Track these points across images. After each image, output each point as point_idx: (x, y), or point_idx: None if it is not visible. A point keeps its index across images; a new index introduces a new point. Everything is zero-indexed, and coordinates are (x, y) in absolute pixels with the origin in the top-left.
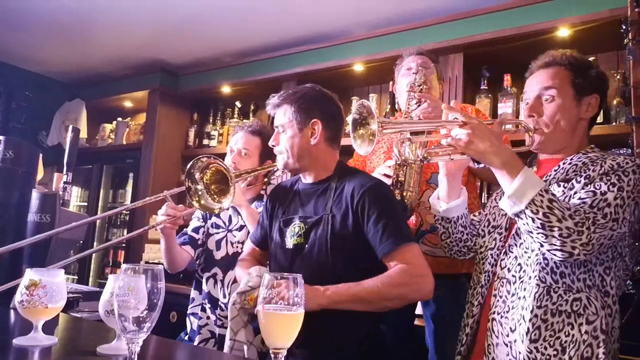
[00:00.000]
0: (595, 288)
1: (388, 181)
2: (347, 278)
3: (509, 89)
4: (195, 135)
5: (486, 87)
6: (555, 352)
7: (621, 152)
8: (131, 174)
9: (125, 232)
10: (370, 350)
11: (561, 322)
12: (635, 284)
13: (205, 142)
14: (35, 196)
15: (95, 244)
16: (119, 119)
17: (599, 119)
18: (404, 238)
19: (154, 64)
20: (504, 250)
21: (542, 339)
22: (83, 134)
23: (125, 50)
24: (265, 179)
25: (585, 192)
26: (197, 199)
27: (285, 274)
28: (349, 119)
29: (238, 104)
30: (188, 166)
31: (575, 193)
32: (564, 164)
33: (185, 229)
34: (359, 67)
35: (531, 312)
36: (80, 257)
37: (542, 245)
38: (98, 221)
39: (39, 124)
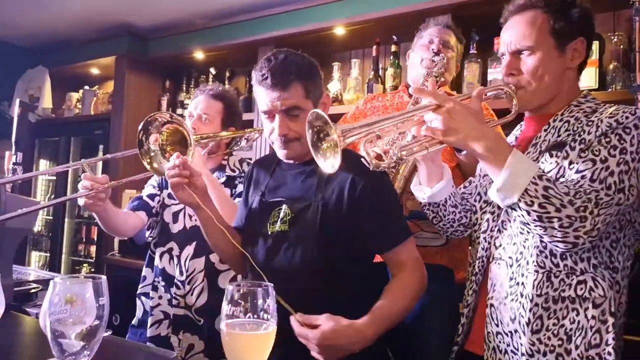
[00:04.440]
0: (602, 266)
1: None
2: (334, 271)
3: (499, 53)
4: (167, 104)
5: (475, 52)
6: (560, 342)
7: None
8: (101, 146)
9: None
10: None
11: (565, 308)
12: None
13: (179, 111)
14: None
15: (66, 220)
16: (86, 87)
17: (594, 85)
18: (404, 234)
19: (121, 27)
20: (497, 227)
21: (544, 328)
22: (48, 103)
23: (90, 12)
24: (228, 149)
25: (584, 161)
26: (148, 160)
27: (255, 282)
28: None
29: (212, 70)
30: (145, 120)
31: (571, 163)
32: (554, 121)
33: (140, 194)
34: (340, 31)
35: (531, 301)
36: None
37: (541, 237)
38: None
39: (0, 93)
